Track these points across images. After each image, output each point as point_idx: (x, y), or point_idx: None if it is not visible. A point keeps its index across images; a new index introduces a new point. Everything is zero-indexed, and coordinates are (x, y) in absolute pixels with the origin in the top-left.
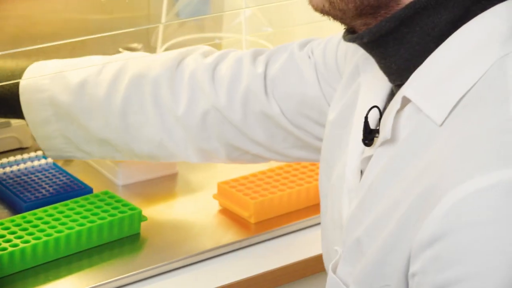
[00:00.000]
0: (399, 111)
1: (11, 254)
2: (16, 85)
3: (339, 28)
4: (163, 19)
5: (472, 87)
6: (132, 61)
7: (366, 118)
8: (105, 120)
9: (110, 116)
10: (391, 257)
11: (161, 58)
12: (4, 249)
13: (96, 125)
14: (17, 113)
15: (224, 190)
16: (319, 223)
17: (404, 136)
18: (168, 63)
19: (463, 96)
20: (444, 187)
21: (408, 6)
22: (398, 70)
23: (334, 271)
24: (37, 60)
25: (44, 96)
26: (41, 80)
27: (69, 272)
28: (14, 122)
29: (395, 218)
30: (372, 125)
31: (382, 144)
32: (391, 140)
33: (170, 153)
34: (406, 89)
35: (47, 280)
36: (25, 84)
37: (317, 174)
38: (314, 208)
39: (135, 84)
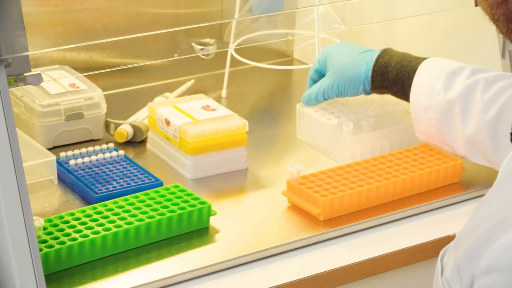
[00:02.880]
0: None
1: (81, 244)
2: (414, 70)
3: (412, 28)
4: (236, 15)
5: None
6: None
7: None
8: (478, 126)
9: (483, 123)
10: (467, 267)
11: None
12: (75, 239)
13: (470, 128)
14: (405, 94)
15: (294, 187)
16: (388, 222)
17: None
18: None
19: None
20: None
21: None
22: None
23: (442, 258)
24: (111, 52)
25: (435, 85)
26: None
27: (138, 264)
28: (87, 113)
29: (481, 230)
30: None
31: None
32: None
33: None
34: None
35: (116, 271)
36: (421, 70)
37: (387, 173)
38: (383, 206)
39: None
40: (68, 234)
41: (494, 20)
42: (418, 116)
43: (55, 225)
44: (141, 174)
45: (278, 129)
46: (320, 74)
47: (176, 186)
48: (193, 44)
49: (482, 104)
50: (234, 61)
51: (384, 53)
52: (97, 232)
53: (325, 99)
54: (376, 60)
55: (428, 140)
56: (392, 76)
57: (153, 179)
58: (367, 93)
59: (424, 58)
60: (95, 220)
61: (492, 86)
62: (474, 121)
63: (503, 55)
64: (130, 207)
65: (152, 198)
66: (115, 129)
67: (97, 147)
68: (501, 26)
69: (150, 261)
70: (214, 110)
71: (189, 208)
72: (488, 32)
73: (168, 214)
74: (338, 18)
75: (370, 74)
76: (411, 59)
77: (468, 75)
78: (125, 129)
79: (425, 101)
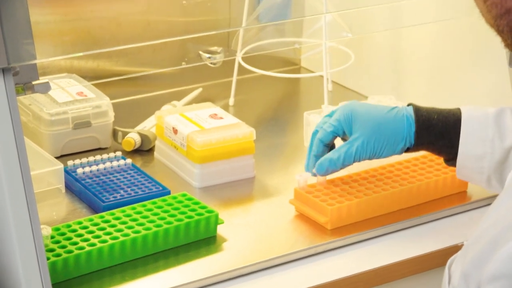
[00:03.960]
0: None
1: (89, 253)
2: (459, 119)
3: (419, 33)
4: (244, 23)
5: None
6: None
7: None
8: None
9: None
10: (474, 275)
11: None
12: (82, 248)
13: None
14: (452, 146)
15: (301, 196)
16: (395, 231)
17: None
18: None
19: None
20: None
21: None
22: None
23: (450, 266)
24: (119, 61)
25: (487, 133)
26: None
27: (146, 273)
28: (94, 122)
29: (488, 237)
30: None
31: None
32: None
33: None
34: None
35: (124, 280)
36: (467, 117)
37: (394, 181)
38: (391, 215)
39: None
40: (75, 243)
41: (499, 31)
42: (468, 165)
43: (63, 234)
44: (149, 182)
45: (286, 138)
46: (335, 136)
47: (184, 195)
48: (200, 52)
49: None
50: (242, 69)
51: (417, 107)
52: (104, 241)
53: (355, 162)
54: (416, 115)
55: (471, 182)
56: (438, 129)
57: (161, 188)
58: (402, 152)
59: (455, 108)
60: (102, 228)
61: None
62: None
63: (510, 63)
64: (137, 216)
65: (159, 207)
66: (123, 138)
67: (105, 156)
68: (505, 38)
69: (157, 270)
70: (221, 118)
71: (197, 217)
72: (495, 40)
73: (176, 223)
74: (345, 26)
75: (413, 130)
76: (447, 110)
77: None
78: (132, 138)
79: (477, 150)
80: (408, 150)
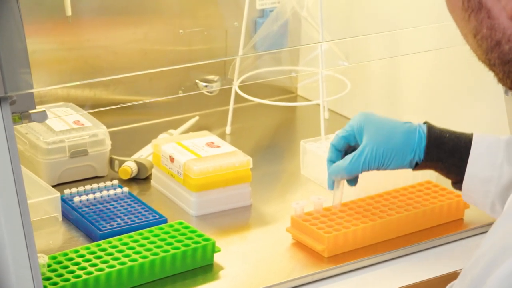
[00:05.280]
0: None
1: (86, 281)
2: (470, 140)
3: (415, 65)
4: (240, 52)
5: None
6: None
7: None
8: None
9: None
10: None
11: None
12: (79, 276)
13: None
14: (460, 166)
15: (298, 224)
16: (392, 259)
17: None
18: None
19: None
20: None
21: None
22: None
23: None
24: (116, 89)
25: (497, 156)
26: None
27: None
28: (91, 150)
29: (485, 260)
30: None
31: None
32: None
33: None
34: None
35: None
36: (479, 140)
37: (391, 209)
38: (388, 243)
39: None
40: (72, 271)
41: (490, 65)
42: (474, 188)
43: (60, 262)
44: (145, 211)
45: (282, 166)
46: (347, 143)
47: (180, 223)
48: (197, 81)
49: None
50: (238, 98)
51: (430, 125)
52: (101, 269)
53: (362, 171)
54: (429, 130)
55: (475, 205)
56: (449, 147)
57: (157, 216)
58: (411, 166)
59: (468, 132)
60: (99, 257)
61: None
62: None
63: (506, 92)
64: (134, 244)
65: (156, 235)
66: (120, 166)
67: (102, 184)
68: (497, 71)
69: None
70: (218, 146)
71: (193, 245)
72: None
73: (172, 251)
74: (341, 55)
75: (424, 144)
76: (459, 132)
77: None
78: (129, 166)
79: (486, 173)
80: (417, 166)
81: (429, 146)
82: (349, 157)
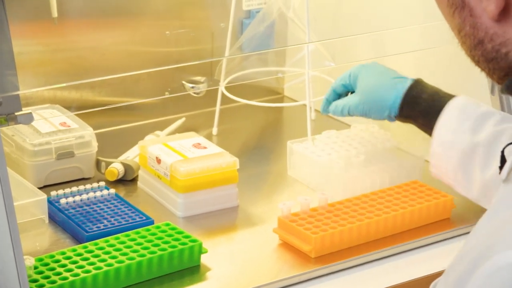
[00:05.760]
0: None
1: (72, 283)
2: (444, 106)
3: (402, 65)
4: (227, 53)
5: None
6: None
7: (502, 151)
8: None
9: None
10: None
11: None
12: (65, 278)
13: (488, 174)
14: (430, 128)
15: (285, 224)
16: (379, 259)
17: None
18: None
19: None
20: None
21: None
22: None
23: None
24: (102, 91)
25: (463, 124)
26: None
27: None
28: (78, 152)
29: (468, 259)
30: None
31: (503, 182)
32: (507, 181)
33: None
34: None
35: None
36: (451, 107)
37: (378, 209)
38: (374, 243)
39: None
40: (59, 273)
41: (475, 61)
42: (438, 152)
43: (46, 264)
44: (132, 212)
45: (269, 166)
46: (345, 89)
47: (167, 224)
48: (184, 82)
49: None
50: (225, 99)
51: (417, 83)
52: (88, 271)
53: (349, 115)
54: (408, 89)
55: (442, 177)
56: (421, 108)
57: (144, 218)
58: (391, 119)
59: (454, 96)
60: (86, 259)
61: None
62: (495, 168)
63: (492, 92)
64: (121, 246)
65: (143, 237)
66: (106, 168)
67: (88, 186)
68: (482, 67)
69: None
70: (205, 148)
71: (180, 246)
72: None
73: (159, 252)
74: (328, 56)
75: (399, 101)
76: (443, 94)
77: (497, 122)
78: (116, 168)
79: (449, 137)
80: (399, 119)
81: (403, 104)
82: (339, 101)
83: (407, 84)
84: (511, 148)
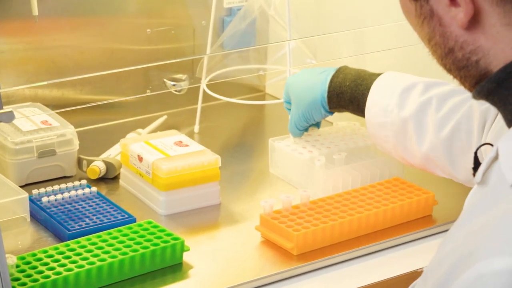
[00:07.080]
0: (494, 159)
1: (54, 282)
2: (369, 88)
3: (383, 62)
4: (208, 50)
5: None
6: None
7: (475, 153)
8: (433, 144)
9: (437, 141)
10: None
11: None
12: (47, 277)
13: (425, 146)
14: (362, 111)
15: (267, 222)
16: (361, 256)
17: (491, 184)
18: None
19: None
20: (478, 256)
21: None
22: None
23: None
24: (83, 89)
25: (389, 103)
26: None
27: None
28: (59, 150)
29: (448, 263)
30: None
31: (478, 184)
32: (482, 183)
33: None
34: (503, 140)
35: None
36: (375, 88)
37: (359, 206)
38: (356, 240)
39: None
40: (41, 272)
41: (447, 69)
42: (374, 133)
43: (28, 263)
44: (114, 210)
45: (251, 164)
46: (288, 104)
47: (149, 222)
48: (165, 80)
49: (436, 123)
50: (206, 97)
51: (339, 72)
52: (70, 270)
53: (303, 129)
54: (331, 81)
55: (389, 153)
56: (347, 96)
57: (126, 216)
58: (330, 113)
59: (379, 74)
60: (68, 257)
61: (445, 104)
62: (429, 140)
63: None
64: (103, 244)
65: (125, 235)
66: (88, 166)
67: (70, 184)
68: (454, 75)
69: None
70: (186, 145)
71: (162, 244)
72: None
73: (142, 251)
74: (309, 53)
75: (326, 95)
76: (366, 76)
77: (421, 92)
78: (97, 166)
79: (379, 118)
80: (333, 111)
81: (330, 97)
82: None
83: (330, 75)
84: (484, 149)
